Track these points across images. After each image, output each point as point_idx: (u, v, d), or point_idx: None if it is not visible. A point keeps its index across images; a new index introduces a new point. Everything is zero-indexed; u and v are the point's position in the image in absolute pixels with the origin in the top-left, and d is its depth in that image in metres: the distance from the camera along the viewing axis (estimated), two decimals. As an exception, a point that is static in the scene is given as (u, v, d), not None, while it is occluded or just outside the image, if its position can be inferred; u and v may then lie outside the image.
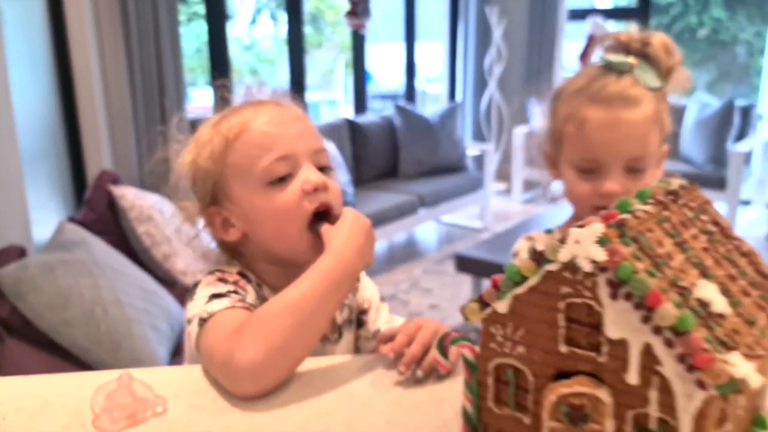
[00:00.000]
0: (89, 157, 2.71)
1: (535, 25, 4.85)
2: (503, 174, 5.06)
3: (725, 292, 0.51)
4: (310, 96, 4.99)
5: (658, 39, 0.87)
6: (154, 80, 2.84)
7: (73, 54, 2.66)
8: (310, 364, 0.73)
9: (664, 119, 0.87)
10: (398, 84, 5.02)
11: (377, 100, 6.83)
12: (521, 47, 4.93)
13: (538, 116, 4.61)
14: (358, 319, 0.90)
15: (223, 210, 0.80)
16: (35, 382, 0.72)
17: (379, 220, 3.47)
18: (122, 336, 1.80)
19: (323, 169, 0.80)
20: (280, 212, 0.77)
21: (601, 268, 0.47)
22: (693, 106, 4.47)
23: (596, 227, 0.47)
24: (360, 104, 4.47)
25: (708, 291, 0.49)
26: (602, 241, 0.47)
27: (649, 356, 0.46)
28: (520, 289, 0.52)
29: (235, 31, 7.82)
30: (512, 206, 4.82)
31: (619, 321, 0.47)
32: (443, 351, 0.64)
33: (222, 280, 0.78)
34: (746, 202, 4.66)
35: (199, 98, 6.29)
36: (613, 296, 0.47)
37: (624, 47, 0.89)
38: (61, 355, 1.76)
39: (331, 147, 3.40)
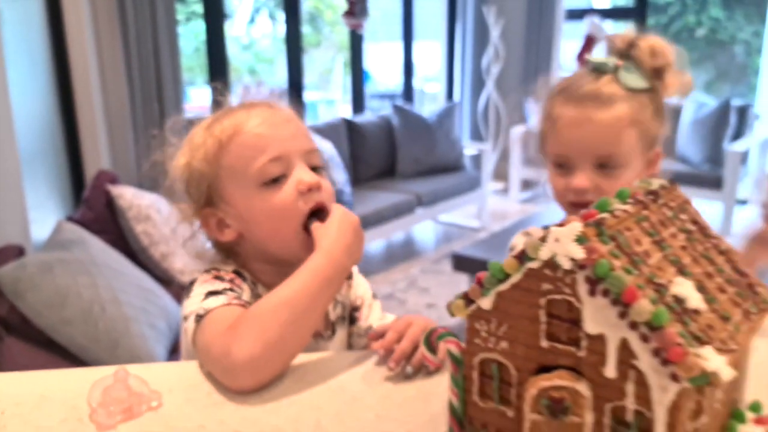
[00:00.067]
0: (87, 156, 2.72)
1: (532, 24, 4.87)
2: (501, 173, 5.07)
3: (701, 289, 0.52)
4: (308, 96, 5.01)
5: (646, 41, 0.89)
6: (152, 80, 2.86)
7: (71, 54, 2.68)
8: (302, 359, 0.75)
9: (645, 120, 0.89)
10: (397, 83, 5.03)
11: (376, 99, 6.84)
12: (519, 47, 4.94)
13: (535, 115, 4.64)
14: (351, 315, 0.92)
15: (218, 211, 0.82)
16: (33, 377, 0.74)
17: (377, 219, 3.48)
18: (120, 334, 1.82)
19: (315, 168, 0.82)
20: (276, 212, 0.79)
21: (579, 265, 0.48)
22: (690, 106, 4.49)
23: (575, 226, 0.48)
24: (358, 104, 4.48)
25: (684, 288, 0.50)
26: (581, 240, 0.48)
27: (625, 351, 0.48)
28: (503, 286, 0.53)
29: (233, 30, 7.83)
30: (510, 205, 4.84)
31: (597, 317, 0.48)
32: (430, 347, 0.66)
33: (218, 278, 0.80)
34: (743, 202, 4.68)
35: (198, 98, 6.31)
36: (592, 293, 0.48)
37: (614, 49, 0.91)
38: (60, 354, 1.78)
39: (328, 146, 3.41)
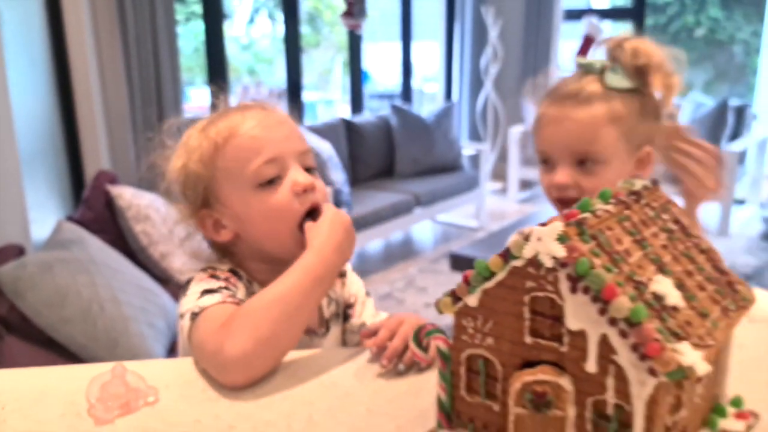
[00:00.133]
0: (87, 156, 2.74)
1: (530, 25, 4.89)
2: (499, 173, 5.09)
3: (681, 286, 0.54)
4: (307, 96, 5.02)
5: (630, 42, 0.91)
6: (152, 80, 2.88)
7: (71, 54, 2.69)
8: (295, 356, 0.77)
9: (627, 119, 0.90)
10: (396, 84, 5.05)
11: (375, 99, 6.86)
12: (517, 47, 4.96)
13: (531, 116, 4.65)
14: (345, 313, 0.94)
15: (215, 212, 0.84)
16: (33, 373, 0.75)
17: (375, 219, 3.50)
18: (119, 333, 1.84)
19: (309, 169, 0.84)
20: (272, 213, 0.81)
21: (561, 263, 0.50)
22: (687, 106, 4.51)
23: (556, 225, 0.50)
24: (356, 104, 4.50)
25: (663, 285, 0.52)
26: (562, 239, 0.50)
27: (605, 346, 0.49)
28: (489, 284, 0.55)
29: (233, 30, 7.85)
30: (508, 205, 4.86)
31: (578, 313, 0.50)
32: (419, 343, 0.67)
33: (214, 276, 0.82)
34: (741, 201, 4.69)
35: (197, 98, 6.33)
36: (573, 290, 0.50)
37: (607, 51, 0.93)
38: (59, 353, 1.80)
39: (327, 146, 3.43)
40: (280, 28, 3.87)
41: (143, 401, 0.67)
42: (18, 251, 1.97)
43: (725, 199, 4.13)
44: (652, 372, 0.47)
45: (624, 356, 0.48)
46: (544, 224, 0.51)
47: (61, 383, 0.72)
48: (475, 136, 5.19)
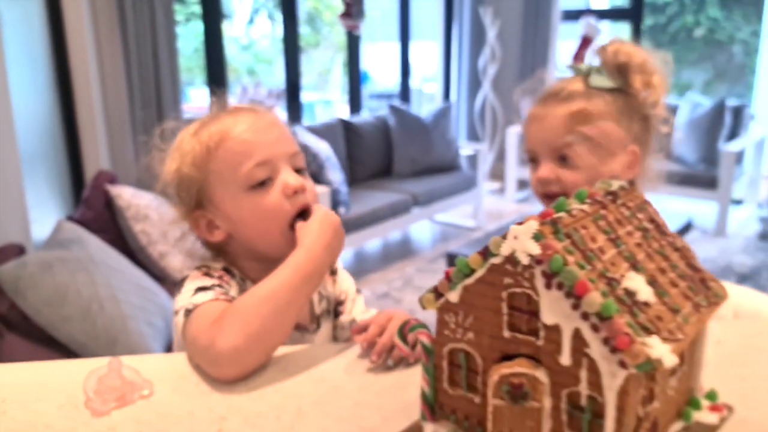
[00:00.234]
0: (87, 157, 2.76)
1: (528, 25, 4.91)
2: (497, 173, 5.11)
3: (653, 283, 0.56)
4: (305, 96, 5.05)
5: (614, 44, 0.94)
6: (151, 81, 2.90)
7: (71, 55, 2.72)
8: (286, 351, 0.79)
9: (607, 118, 0.93)
10: (396, 84, 5.07)
11: (374, 99, 6.88)
12: (515, 48, 4.98)
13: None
14: (335, 309, 0.96)
15: (208, 213, 0.86)
16: (33, 368, 0.78)
17: (373, 218, 3.52)
18: (118, 332, 1.86)
19: (299, 170, 0.86)
20: (263, 214, 0.83)
21: (536, 260, 0.52)
22: (685, 106, 4.52)
23: (531, 224, 0.52)
24: (355, 104, 4.52)
25: (635, 282, 0.54)
26: (537, 237, 0.52)
27: (578, 339, 0.52)
28: (469, 281, 0.57)
29: (232, 30, 7.87)
30: (506, 205, 4.88)
31: (553, 308, 0.52)
32: (404, 337, 0.70)
33: (208, 274, 0.85)
34: (738, 202, 4.71)
35: (197, 98, 6.35)
36: (548, 286, 0.52)
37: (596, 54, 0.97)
38: (59, 351, 1.82)
39: (325, 146, 3.45)
40: (280, 29, 3.89)
41: (138, 394, 0.69)
42: (18, 250, 1.99)
43: (723, 199, 4.15)
44: (623, 364, 0.49)
45: (596, 349, 0.51)
46: (520, 223, 0.54)
47: (60, 377, 0.74)
48: (473, 136, 5.21)
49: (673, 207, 4.43)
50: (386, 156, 4.14)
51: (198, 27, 5.39)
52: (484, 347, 0.58)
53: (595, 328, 0.50)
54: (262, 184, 0.83)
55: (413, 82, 5.18)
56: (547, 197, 0.95)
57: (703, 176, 4.25)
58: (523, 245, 0.52)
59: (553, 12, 4.84)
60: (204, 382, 0.72)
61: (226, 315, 0.73)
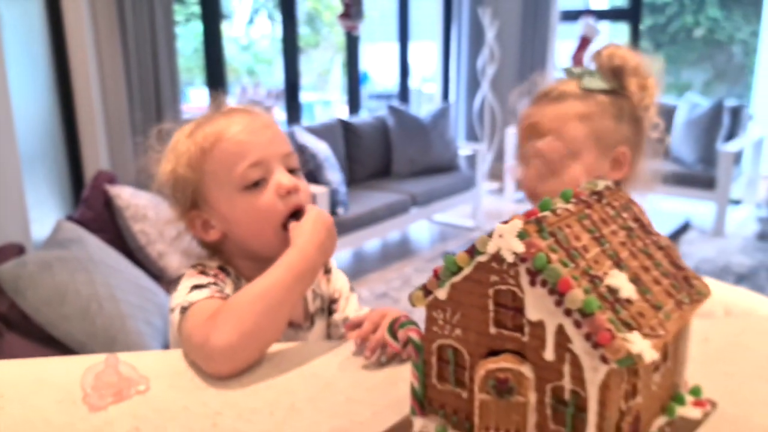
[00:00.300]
0: (86, 157, 2.78)
1: (527, 26, 4.92)
2: (496, 173, 5.12)
3: (636, 280, 0.58)
4: (304, 96, 5.06)
5: (608, 48, 0.96)
6: (150, 81, 2.91)
7: (71, 56, 2.73)
8: (280, 347, 0.80)
9: (598, 118, 0.95)
10: (395, 84, 5.09)
11: (374, 100, 6.90)
12: (514, 48, 4.99)
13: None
14: (329, 308, 0.98)
15: (203, 213, 0.88)
16: (31, 364, 0.79)
17: (372, 219, 3.54)
18: (117, 331, 1.87)
19: (293, 170, 0.87)
20: (257, 214, 0.85)
21: (521, 258, 0.53)
22: (683, 106, 4.54)
23: (516, 223, 0.54)
24: (354, 105, 4.54)
25: (618, 279, 0.55)
26: (522, 235, 0.53)
27: (562, 335, 0.53)
28: (457, 278, 0.58)
29: (232, 31, 7.89)
30: (504, 205, 4.89)
31: (537, 305, 0.54)
32: (393, 334, 0.71)
33: (203, 272, 0.86)
34: (737, 202, 4.72)
35: (197, 98, 6.37)
36: (532, 283, 0.53)
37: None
38: (58, 350, 1.83)
39: (324, 147, 3.47)
40: (280, 29, 3.90)
41: (135, 390, 0.70)
42: (18, 250, 2.01)
43: (721, 200, 4.17)
44: (604, 359, 0.51)
45: (578, 345, 0.52)
46: (506, 222, 0.55)
47: (57, 373, 0.75)
48: (471, 136, 5.22)
49: (671, 207, 4.44)
50: (385, 156, 4.16)
51: (198, 27, 5.41)
52: (471, 343, 0.59)
53: (577, 324, 0.52)
54: (256, 185, 0.85)
55: (413, 83, 5.20)
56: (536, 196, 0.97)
57: (701, 176, 4.27)
58: (508, 243, 0.54)
59: (551, 12, 4.86)
60: (199, 378, 0.73)
61: (221, 312, 0.75)
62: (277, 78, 7.68)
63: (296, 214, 0.85)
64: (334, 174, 3.42)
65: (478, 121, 5.15)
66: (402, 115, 4.20)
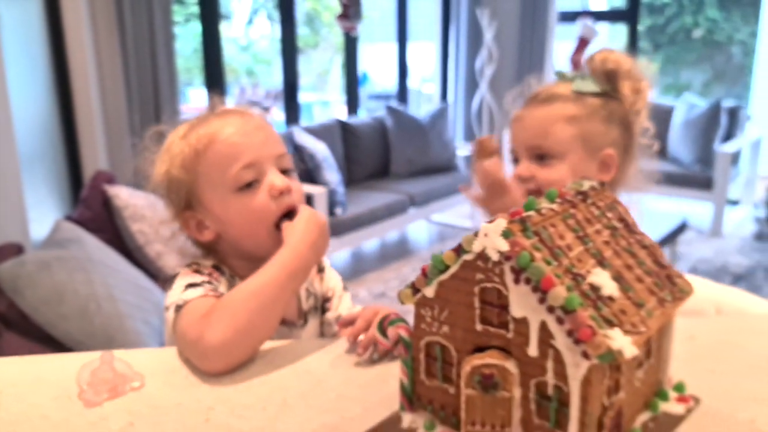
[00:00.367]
0: (85, 157, 2.79)
1: (525, 27, 4.93)
2: (495, 174, 5.13)
3: (619, 278, 0.59)
4: (303, 97, 5.08)
5: (602, 52, 0.97)
6: (149, 81, 2.93)
7: (70, 56, 2.75)
8: (273, 345, 0.82)
9: (586, 120, 0.96)
10: (395, 84, 5.10)
11: (373, 100, 6.91)
12: (512, 49, 5.00)
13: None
14: (323, 306, 0.99)
15: (197, 214, 0.89)
16: (28, 361, 0.80)
17: (370, 219, 3.55)
18: (115, 330, 1.88)
19: (286, 171, 0.89)
20: (250, 215, 0.86)
21: (505, 257, 0.55)
22: (681, 107, 4.55)
23: (500, 222, 0.55)
24: (352, 105, 4.55)
25: (600, 277, 0.57)
26: (506, 234, 0.55)
27: (545, 332, 0.54)
28: (444, 276, 0.60)
29: (232, 31, 7.90)
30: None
31: (521, 302, 0.55)
32: (383, 331, 0.72)
33: (198, 271, 0.87)
34: (734, 202, 4.74)
35: (196, 98, 6.38)
36: (516, 281, 0.55)
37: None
38: (57, 349, 1.84)
39: (322, 147, 3.48)
40: (279, 30, 3.91)
41: (129, 386, 0.72)
42: (17, 250, 2.02)
43: (719, 200, 4.18)
44: (585, 355, 0.52)
45: (561, 341, 0.53)
46: (491, 221, 0.56)
47: (54, 370, 0.77)
48: (470, 136, 5.23)
49: (668, 207, 4.45)
50: (383, 156, 4.17)
51: (197, 27, 5.43)
52: (458, 340, 0.60)
53: (559, 321, 0.53)
54: (249, 186, 0.86)
55: (412, 83, 5.21)
56: (525, 194, 0.99)
57: (698, 177, 4.28)
58: (493, 242, 0.55)
59: (550, 13, 4.87)
60: (193, 375, 0.75)
61: (215, 310, 0.76)
62: (276, 78, 7.69)
63: (289, 214, 0.87)
64: (333, 174, 3.43)
65: (477, 122, 5.16)
66: (400, 116, 4.21)
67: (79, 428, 0.65)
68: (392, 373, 0.75)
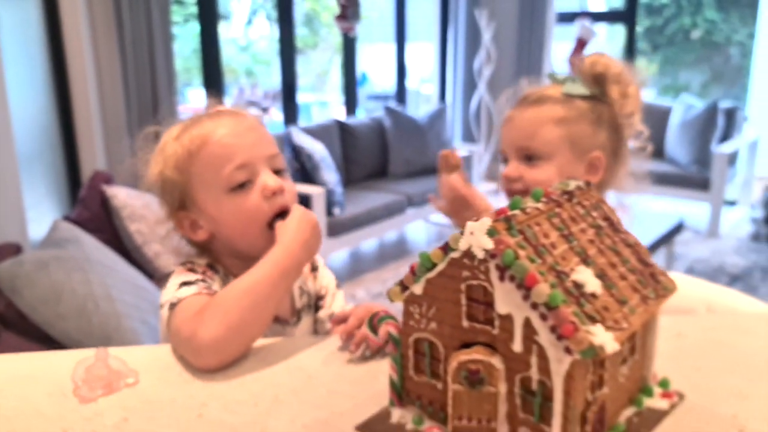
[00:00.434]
0: (83, 157, 2.80)
1: (524, 27, 4.95)
2: (493, 174, 5.14)
3: (602, 276, 0.60)
4: (302, 97, 5.09)
5: (592, 56, 0.98)
6: (147, 82, 2.94)
7: (68, 57, 2.76)
8: (266, 342, 0.83)
9: (575, 122, 0.97)
10: (394, 85, 5.12)
11: (372, 101, 6.92)
12: (510, 49, 5.02)
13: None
14: (316, 304, 1.00)
15: (191, 214, 0.90)
16: (23, 358, 0.82)
17: (369, 219, 3.56)
18: (113, 330, 1.89)
19: (279, 171, 0.90)
20: (243, 215, 0.87)
21: (491, 255, 0.56)
22: (678, 108, 4.56)
23: (485, 221, 0.56)
24: (351, 105, 4.56)
25: (583, 275, 0.58)
26: (491, 233, 0.56)
27: (529, 328, 0.55)
28: (432, 274, 0.61)
29: (231, 31, 7.91)
30: (502, 205, 4.91)
31: (505, 299, 0.56)
32: (373, 328, 0.74)
33: (192, 270, 0.89)
34: (731, 203, 4.75)
35: (195, 98, 6.39)
36: (501, 278, 0.56)
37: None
38: (55, 348, 1.85)
39: (321, 147, 3.49)
40: (277, 30, 3.92)
41: (124, 382, 0.73)
42: (15, 249, 2.03)
43: (716, 201, 4.19)
44: (568, 350, 0.53)
45: (544, 337, 0.55)
46: (477, 220, 0.58)
47: (49, 367, 0.78)
48: (468, 137, 5.25)
49: (665, 208, 4.47)
50: (381, 157, 4.18)
51: (196, 28, 5.44)
52: (446, 336, 0.61)
53: (543, 317, 0.54)
54: (242, 186, 0.87)
55: (411, 84, 5.22)
56: (511, 194, 1.01)
57: (696, 178, 4.29)
58: (479, 240, 0.56)
59: (548, 14, 4.88)
60: (187, 372, 0.76)
61: (208, 307, 0.77)
62: (275, 79, 7.70)
63: (282, 214, 0.88)
64: (331, 174, 3.44)
65: (475, 122, 5.18)
66: (398, 116, 4.22)
67: (74, 423, 0.66)
68: (382, 369, 0.76)
